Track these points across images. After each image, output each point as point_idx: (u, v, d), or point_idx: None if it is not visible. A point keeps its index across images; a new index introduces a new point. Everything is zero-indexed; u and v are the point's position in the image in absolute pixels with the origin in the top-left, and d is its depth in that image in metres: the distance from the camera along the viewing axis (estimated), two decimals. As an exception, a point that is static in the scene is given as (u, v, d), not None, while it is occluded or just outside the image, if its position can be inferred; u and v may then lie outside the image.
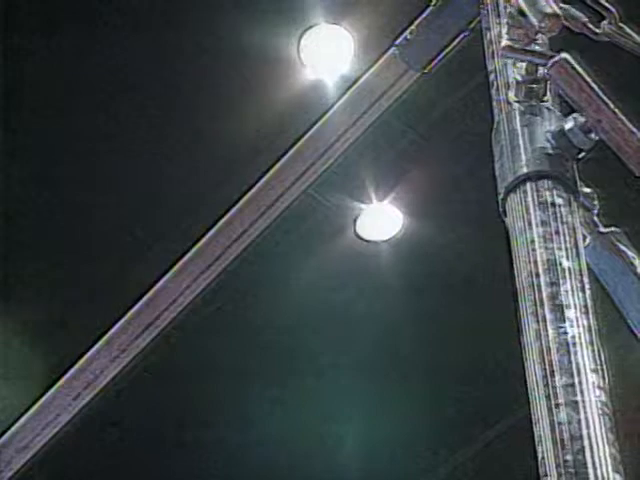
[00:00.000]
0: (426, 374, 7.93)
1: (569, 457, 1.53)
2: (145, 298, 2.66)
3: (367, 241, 7.42)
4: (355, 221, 7.28)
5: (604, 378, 1.61)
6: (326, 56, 6.55)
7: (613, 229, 1.83)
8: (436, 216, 7.31)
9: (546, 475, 1.55)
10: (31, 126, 6.90)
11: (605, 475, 1.52)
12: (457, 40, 2.11)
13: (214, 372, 7.89)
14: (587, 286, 1.67)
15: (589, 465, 1.52)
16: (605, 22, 1.96)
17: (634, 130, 1.75)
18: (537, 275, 1.66)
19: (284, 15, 6.48)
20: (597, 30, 1.94)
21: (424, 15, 2.14)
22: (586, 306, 1.64)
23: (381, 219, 7.34)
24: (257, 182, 2.71)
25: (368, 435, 8.50)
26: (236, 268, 2.53)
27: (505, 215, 1.78)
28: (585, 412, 1.56)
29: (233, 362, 7.83)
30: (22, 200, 7.16)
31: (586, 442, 1.54)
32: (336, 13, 6.45)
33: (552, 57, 1.77)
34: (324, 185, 6.48)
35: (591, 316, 1.64)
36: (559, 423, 1.55)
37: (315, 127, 2.52)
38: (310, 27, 6.47)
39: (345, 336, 7.78)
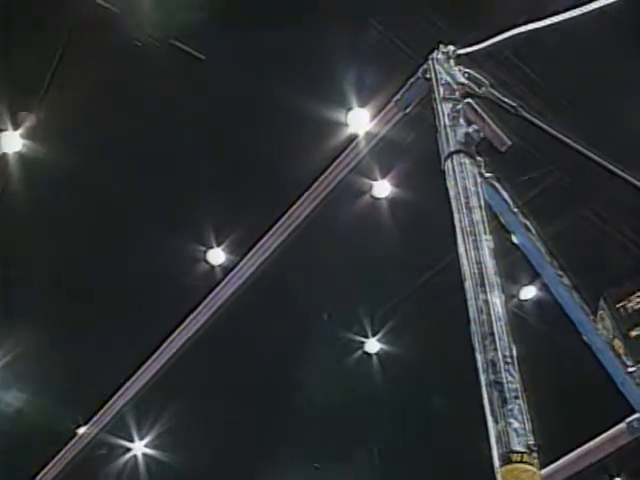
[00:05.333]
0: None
1: (476, 270, 1.51)
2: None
3: (375, 198, 7.30)
4: (371, 189, 7.19)
5: (491, 240, 1.59)
6: (358, 121, 6.40)
7: (490, 174, 1.80)
8: (407, 186, 7.20)
9: (465, 279, 1.52)
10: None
11: (492, 280, 1.50)
12: (420, 97, 2.06)
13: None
14: (482, 198, 1.64)
15: (484, 275, 1.49)
16: (483, 87, 1.90)
17: (499, 132, 1.71)
18: (459, 194, 1.66)
19: (337, 100, 6.34)
20: (479, 92, 1.88)
21: (405, 88, 2.08)
22: (480, 207, 1.63)
23: (382, 188, 7.22)
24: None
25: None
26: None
27: (444, 172, 1.77)
28: (483, 251, 1.53)
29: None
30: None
31: (483, 266, 1.53)
32: (364, 98, 6.32)
33: (463, 100, 1.73)
34: (356, 173, 6.37)
35: (484, 212, 1.62)
36: (474, 259, 1.53)
37: (349, 147, 2.42)
38: (349, 109, 6.36)
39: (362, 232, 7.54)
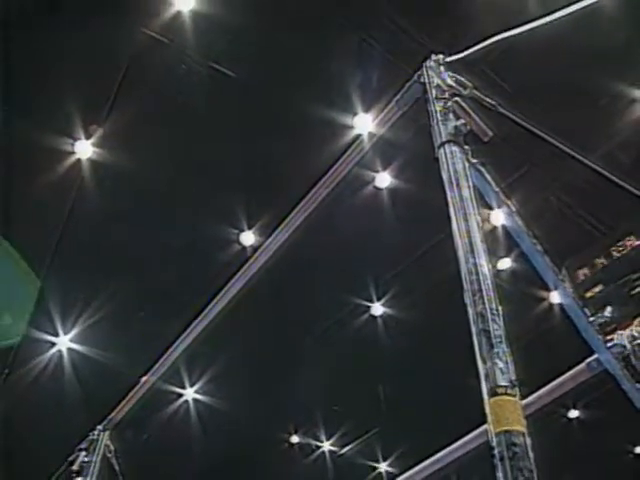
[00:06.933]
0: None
1: (466, 238, 1.45)
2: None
3: (378, 188, 7.19)
4: (374, 180, 7.08)
5: (478, 213, 1.54)
6: (363, 123, 6.29)
7: (476, 160, 1.74)
8: (404, 178, 7.08)
9: (457, 246, 1.47)
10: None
11: (480, 247, 1.45)
12: (416, 97, 1.98)
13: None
14: (470, 179, 1.59)
15: (473, 242, 1.44)
16: (467, 89, 1.83)
17: (483, 126, 1.65)
18: (451, 177, 1.59)
19: (344, 106, 6.24)
20: (465, 92, 1.81)
21: (403, 90, 2.01)
22: (469, 186, 1.59)
23: (383, 179, 7.10)
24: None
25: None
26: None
27: (437, 159, 1.70)
28: (471, 222, 1.48)
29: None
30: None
31: (471, 235, 1.46)
32: (367, 104, 6.21)
33: (451, 99, 1.67)
34: (360, 167, 6.31)
35: (472, 190, 1.56)
36: (464, 229, 1.46)
37: (354, 145, 2.34)
38: (355, 114, 6.27)
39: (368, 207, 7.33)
